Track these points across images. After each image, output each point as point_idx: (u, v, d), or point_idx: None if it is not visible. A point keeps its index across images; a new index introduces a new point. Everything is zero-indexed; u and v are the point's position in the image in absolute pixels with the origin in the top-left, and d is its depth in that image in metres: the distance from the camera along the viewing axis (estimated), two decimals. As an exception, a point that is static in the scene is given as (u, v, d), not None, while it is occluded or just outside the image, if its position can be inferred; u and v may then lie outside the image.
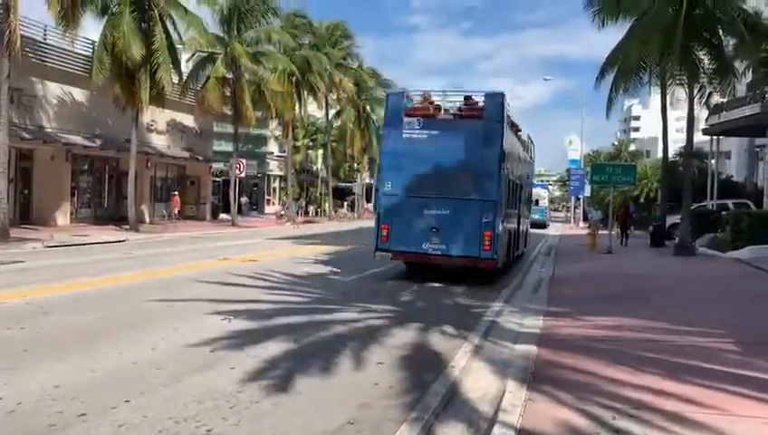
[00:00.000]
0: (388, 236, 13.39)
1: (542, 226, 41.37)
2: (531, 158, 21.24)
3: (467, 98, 14.23)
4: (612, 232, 23.70)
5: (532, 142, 20.89)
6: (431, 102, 14.06)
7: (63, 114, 25.00)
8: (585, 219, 43.26)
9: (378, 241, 13.56)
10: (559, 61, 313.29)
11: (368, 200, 61.57)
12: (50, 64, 24.17)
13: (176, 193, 31.90)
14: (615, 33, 23.26)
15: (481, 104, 13.67)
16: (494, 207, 12.97)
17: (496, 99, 13.53)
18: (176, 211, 31.02)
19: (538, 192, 32.79)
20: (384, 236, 13.44)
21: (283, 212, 43.04)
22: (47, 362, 6.06)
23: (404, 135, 13.43)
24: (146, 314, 8.61)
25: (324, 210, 49.94)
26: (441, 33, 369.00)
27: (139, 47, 22.62)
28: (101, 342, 6.96)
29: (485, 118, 13.28)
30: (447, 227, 12.92)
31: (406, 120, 13.45)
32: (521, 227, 18.24)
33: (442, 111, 14.04)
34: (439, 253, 13.01)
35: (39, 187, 24.84)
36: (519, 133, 16.79)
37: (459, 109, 14.05)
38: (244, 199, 34.64)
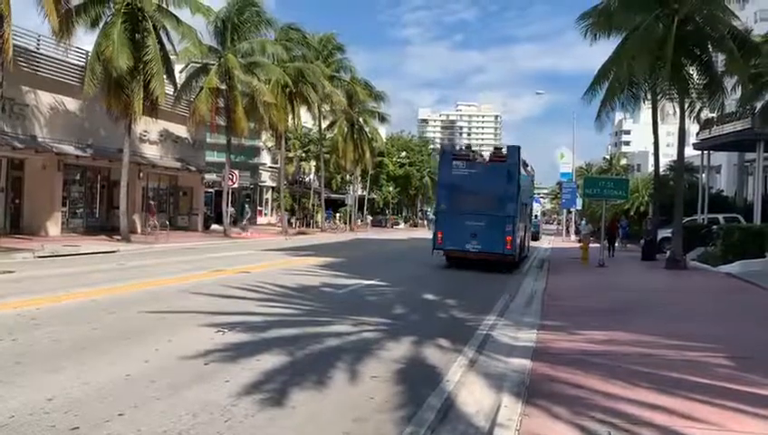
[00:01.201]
0: (442, 239, 19.40)
1: (535, 238, 41.63)
2: (532, 182, 28.19)
3: (496, 148, 21.19)
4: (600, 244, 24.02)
5: (533, 170, 26.65)
6: (471, 151, 21.06)
7: (56, 124, 24.92)
8: (577, 232, 43.52)
9: (434, 243, 19.78)
10: (551, 75, 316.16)
11: (361, 212, 61.46)
12: (43, 74, 24.12)
13: (152, 203, 31.19)
14: (607, 47, 23.52)
15: (505, 152, 20.14)
16: (513, 220, 18.96)
17: (515, 149, 19.84)
18: (153, 222, 30.06)
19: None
20: (439, 240, 19.51)
21: (245, 223, 40.45)
22: (39, 375, 6.00)
23: (453, 172, 19.42)
24: (139, 326, 8.55)
25: (317, 222, 49.87)
26: (433, 45, 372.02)
27: (126, 58, 22.51)
28: (94, 354, 6.91)
29: (507, 162, 19.48)
30: (482, 233, 18.80)
31: (454, 162, 19.53)
32: (526, 235, 24.54)
33: (479, 157, 20.59)
34: (476, 250, 18.91)
35: (30, 196, 24.71)
36: (527, 168, 22.95)
37: (490, 155, 20.62)
38: (230, 210, 34.18)
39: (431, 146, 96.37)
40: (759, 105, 24.05)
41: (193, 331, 8.34)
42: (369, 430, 4.95)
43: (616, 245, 28.87)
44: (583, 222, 36.29)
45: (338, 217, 56.12)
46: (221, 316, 9.34)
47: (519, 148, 19.88)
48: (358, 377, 6.48)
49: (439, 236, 19.47)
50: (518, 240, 19.81)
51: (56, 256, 18.13)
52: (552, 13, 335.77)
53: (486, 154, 21.15)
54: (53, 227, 25.09)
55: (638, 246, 28.77)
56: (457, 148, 22.20)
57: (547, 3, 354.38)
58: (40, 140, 23.97)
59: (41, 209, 24.74)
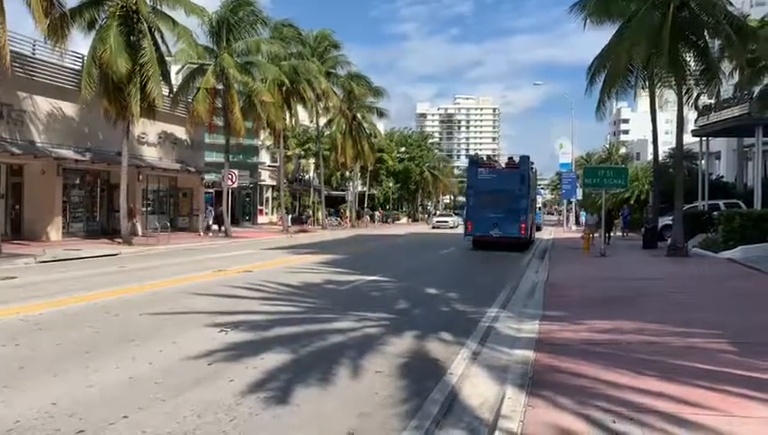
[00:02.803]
0: (472, 228, 25.41)
1: (537, 228, 41.54)
2: (537, 180, 35.10)
3: (510, 158, 28.62)
4: (597, 234, 24.32)
5: (536, 169, 31.24)
6: (492, 160, 28.63)
7: (54, 128, 24.88)
8: (577, 223, 43.52)
9: (465, 231, 26.13)
10: (548, 65, 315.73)
11: (362, 207, 61.39)
12: (39, 79, 24.06)
13: (132, 205, 30.41)
14: (604, 36, 23.64)
15: (518, 160, 26.68)
16: (525, 212, 24.95)
17: (526, 158, 26.03)
18: (135, 221, 29.24)
19: None
20: (469, 228, 25.64)
21: (209, 225, 34.39)
22: (44, 379, 6.02)
23: (479, 177, 25.40)
24: (142, 328, 8.56)
25: (317, 219, 49.83)
26: (430, 40, 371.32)
27: (125, 61, 22.50)
28: (98, 357, 6.92)
29: (520, 168, 25.66)
30: (502, 222, 24.53)
31: (479, 169, 25.67)
32: (534, 223, 30.60)
33: (498, 165, 27.63)
34: (498, 235, 24.64)
35: (30, 201, 24.70)
36: (533, 171, 28.43)
37: (506, 163, 27.73)
38: (219, 211, 33.60)
39: (430, 140, 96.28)
40: (756, 90, 24.01)
41: (196, 331, 8.35)
42: (374, 426, 4.96)
43: (611, 233, 29.43)
44: (584, 213, 36.35)
45: (338, 214, 56.06)
46: (224, 316, 9.35)
47: (528, 157, 25.97)
48: (362, 373, 6.49)
49: (469, 225, 25.64)
50: (529, 227, 25.92)
51: (58, 260, 18.14)
52: (548, 3, 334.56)
53: (503, 162, 27.67)
54: (54, 232, 25.08)
55: (639, 235, 28.78)
56: (481, 158, 28.17)
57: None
58: (38, 145, 23.94)
59: (41, 214, 24.73)
